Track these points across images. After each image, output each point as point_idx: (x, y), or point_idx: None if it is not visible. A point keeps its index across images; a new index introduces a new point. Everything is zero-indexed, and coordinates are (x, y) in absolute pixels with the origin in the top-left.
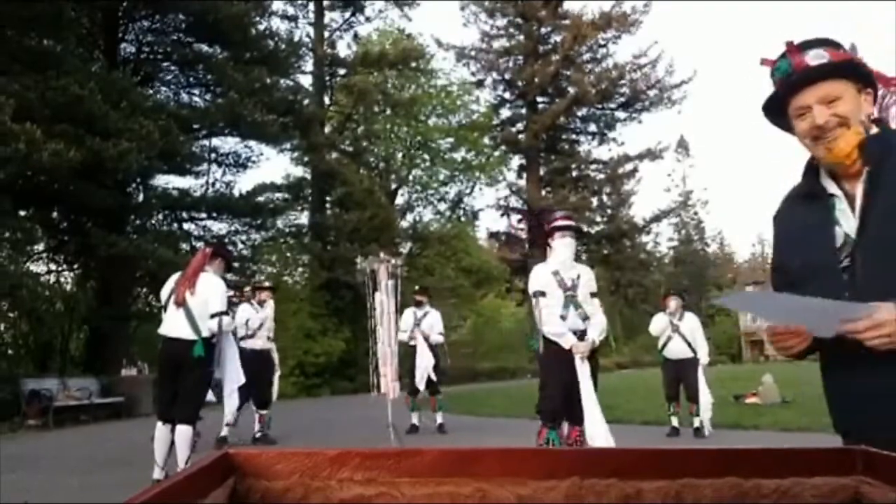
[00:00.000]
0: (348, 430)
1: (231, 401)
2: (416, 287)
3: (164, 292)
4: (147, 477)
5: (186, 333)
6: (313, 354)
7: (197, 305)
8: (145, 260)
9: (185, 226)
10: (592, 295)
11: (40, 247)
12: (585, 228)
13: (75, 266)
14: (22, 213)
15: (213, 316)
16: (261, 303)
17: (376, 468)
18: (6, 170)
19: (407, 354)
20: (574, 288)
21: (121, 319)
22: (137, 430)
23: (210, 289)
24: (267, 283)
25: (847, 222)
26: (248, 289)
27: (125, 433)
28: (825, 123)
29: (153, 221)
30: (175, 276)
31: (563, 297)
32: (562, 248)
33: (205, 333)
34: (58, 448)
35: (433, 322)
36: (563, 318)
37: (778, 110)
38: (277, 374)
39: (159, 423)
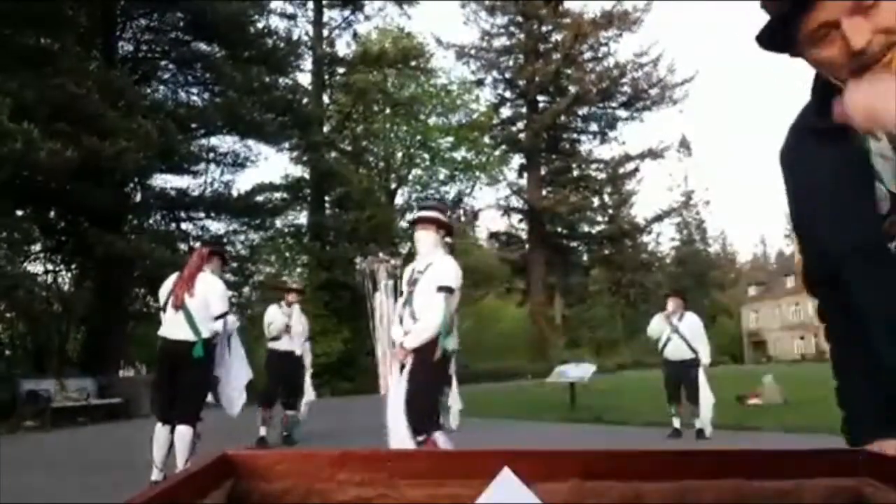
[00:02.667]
0: (348, 430)
1: (240, 400)
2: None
3: (163, 293)
4: (145, 478)
5: (186, 335)
6: (313, 355)
7: (196, 306)
8: (143, 260)
9: (183, 225)
10: (439, 289)
11: (37, 247)
12: (587, 228)
13: (73, 266)
14: (19, 212)
15: (217, 318)
16: (289, 304)
17: (376, 469)
18: (3, 169)
19: None
20: (415, 283)
21: (118, 320)
22: (135, 431)
23: (210, 290)
24: (294, 285)
25: (889, 175)
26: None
27: (123, 434)
28: (867, 46)
29: (151, 221)
30: (173, 277)
31: (405, 296)
32: (416, 241)
33: (205, 334)
34: (55, 449)
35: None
36: (400, 319)
37: (782, 38)
38: (308, 374)
39: (158, 425)
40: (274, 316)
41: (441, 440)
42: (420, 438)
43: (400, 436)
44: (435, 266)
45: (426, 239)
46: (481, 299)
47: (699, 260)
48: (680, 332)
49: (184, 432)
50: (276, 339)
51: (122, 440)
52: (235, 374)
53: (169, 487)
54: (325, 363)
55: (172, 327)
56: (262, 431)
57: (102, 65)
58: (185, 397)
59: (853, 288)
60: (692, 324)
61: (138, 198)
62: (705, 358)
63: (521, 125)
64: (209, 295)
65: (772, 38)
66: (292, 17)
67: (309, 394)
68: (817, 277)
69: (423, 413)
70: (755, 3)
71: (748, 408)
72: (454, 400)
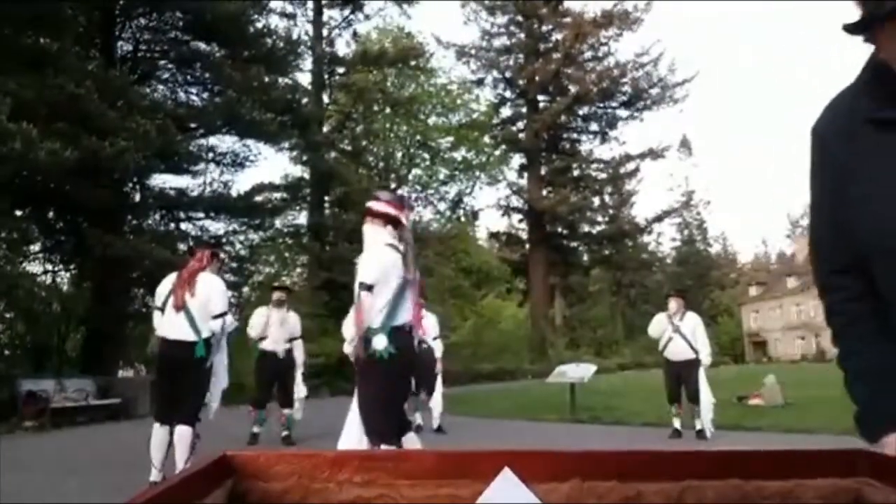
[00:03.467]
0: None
1: (216, 404)
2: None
3: (160, 294)
4: (145, 478)
5: (188, 335)
6: (312, 355)
7: (197, 307)
8: (142, 260)
9: (183, 226)
10: (359, 286)
11: (36, 247)
12: (587, 228)
13: (72, 266)
14: (18, 212)
15: (216, 317)
16: (275, 304)
17: (375, 470)
18: (2, 169)
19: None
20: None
21: (118, 320)
22: (135, 431)
23: (211, 289)
24: (275, 283)
25: None
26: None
27: (122, 434)
28: None
29: (150, 221)
30: (171, 278)
31: None
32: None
33: (205, 334)
34: (55, 449)
35: (433, 324)
36: None
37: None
38: (299, 373)
39: (156, 425)
40: (255, 317)
41: (408, 444)
42: (373, 446)
43: (349, 440)
44: (359, 261)
45: (364, 232)
46: (481, 300)
47: (700, 260)
48: (681, 332)
49: (184, 432)
50: (262, 339)
51: (122, 440)
52: (221, 378)
53: (169, 487)
54: (324, 363)
55: (173, 328)
56: (256, 429)
57: (101, 64)
58: (185, 397)
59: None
60: (693, 324)
61: (137, 198)
62: (706, 358)
63: (521, 125)
64: (211, 294)
65: (865, 23)
66: (292, 16)
67: (301, 391)
68: (846, 261)
69: (373, 420)
70: (755, 3)
71: (749, 408)
72: (436, 402)
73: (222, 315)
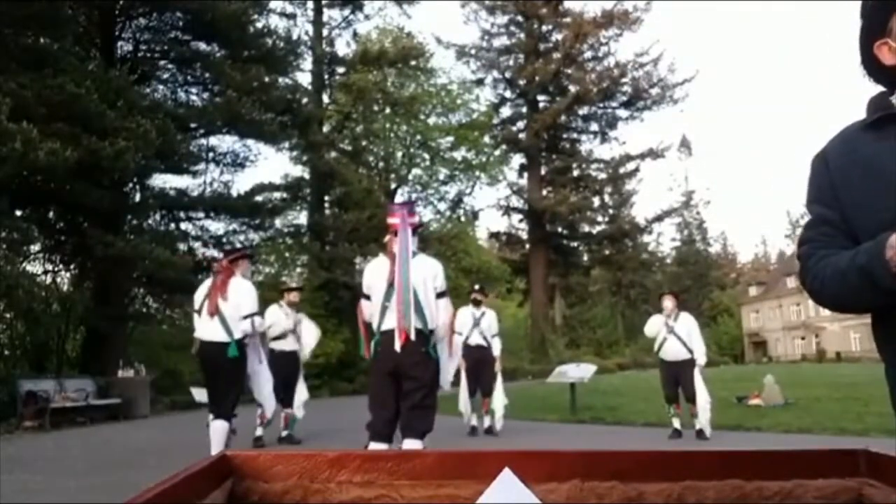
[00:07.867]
0: (348, 431)
1: (270, 401)
2: (476, 286)
3: (197, 298)
4: (145, 478)
5: (221, 337)
6: (312, 355)
7: (229, 310)
8: (142, 260)
9: (183, 225)
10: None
11: (36, 247)
12: (587, 228)
13: (72, 266)
14: (18, 212)
15: (245, 317)
16: (291, 304)
17: (375, 470)
18: (2, 169)
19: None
20: None
21: (118, 320)
22: (135, 431)
23: (241, 293)
24: (294, 284)
25: None
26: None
27: (122, 435)
28: None
29: (150, 221)
30: (207, 283)
31: None
32: None
33: (237, 335)
34: (55, 450)
35: (491, 322)
36: None
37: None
38: (301, 374)
39: (209, 417)
40: (277, 316)
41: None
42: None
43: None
44: None
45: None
46: None
47: (700, 260)
48: (675, 333)
49: (219, 427)
50: (278, 339)
51: (122, 440)
52: (265, 377)
53: (169, 487)
54: (324, 364)
55: (208, 331)
56: (259, 431)
57: (101, 65)
58: (222, 394)
59: None
60: (688, 324)
61: (137, 198)
62: (701, 358)
63: (521, 125)
64: (240, 297)
65: (871, 26)
66: (292, 16)
67: (303, 393)
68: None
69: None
70: (754, 3)
71: (749, 408)
72: (498, 402)
73: (251, 316)
